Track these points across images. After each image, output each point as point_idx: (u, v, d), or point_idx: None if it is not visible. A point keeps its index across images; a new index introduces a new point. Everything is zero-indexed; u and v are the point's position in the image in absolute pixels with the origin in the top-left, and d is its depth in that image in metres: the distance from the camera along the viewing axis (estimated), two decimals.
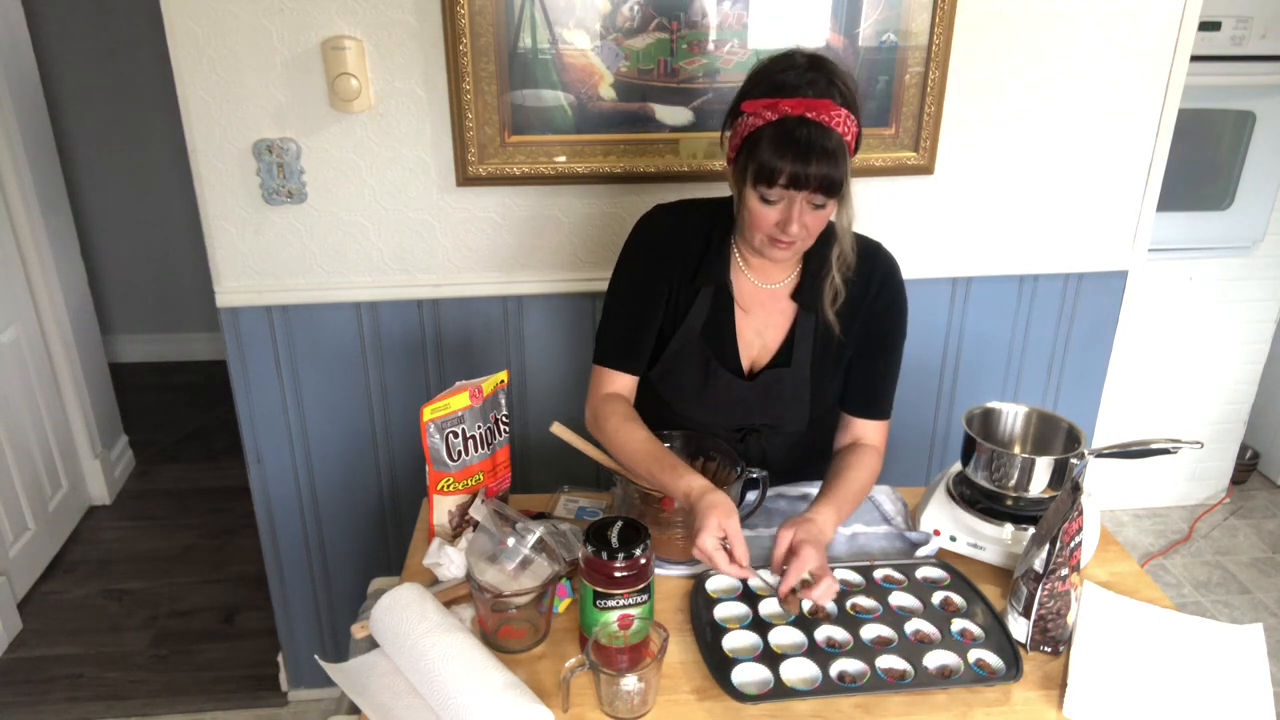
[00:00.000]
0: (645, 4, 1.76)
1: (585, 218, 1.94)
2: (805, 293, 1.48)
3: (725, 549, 1.25)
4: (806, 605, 1.29)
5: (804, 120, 1.26)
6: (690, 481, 1.31)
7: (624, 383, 1.52)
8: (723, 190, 1.51)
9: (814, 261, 1.47)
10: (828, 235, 1.43)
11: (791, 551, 1.28)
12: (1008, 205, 2.04)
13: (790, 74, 1.30)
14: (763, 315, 1.51)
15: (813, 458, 1.62)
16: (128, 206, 3.91)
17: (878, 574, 1.38)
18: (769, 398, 1.52)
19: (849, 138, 1.30)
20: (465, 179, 1.85)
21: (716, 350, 1.50)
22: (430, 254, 1.93)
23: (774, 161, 1.27)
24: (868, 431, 1.55)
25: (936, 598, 1.33)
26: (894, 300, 1.51)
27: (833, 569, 1.34)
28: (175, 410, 3.81)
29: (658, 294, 1.49)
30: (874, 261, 1.50)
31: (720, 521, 1.24)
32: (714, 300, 1.49)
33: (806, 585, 1.26)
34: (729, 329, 1.50)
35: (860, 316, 1.50)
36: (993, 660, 1.22)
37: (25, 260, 2.79)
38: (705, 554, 1.24)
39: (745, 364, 1.52)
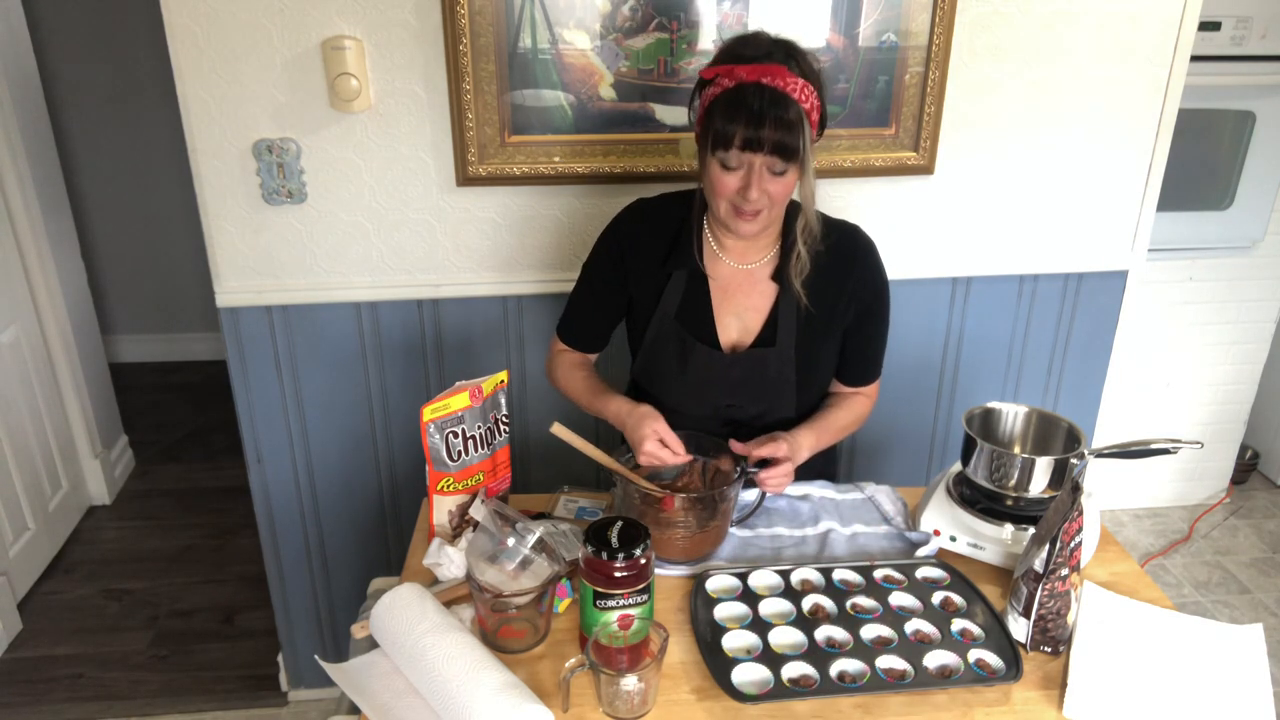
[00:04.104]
0: (645, 4, 1.76)
1: (585, 218, 1.94)
2: (786, 273, 1.50)
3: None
4: (806, 605, 1.30)
5: (759, 85, 1.31)
6: (618, 404, 1.50)
7: (576, 354, 1.66)
8: None
9: (790, 236, 1.49)
10: (797, 213, 1.46)
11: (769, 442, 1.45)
12: (1008, 205, 2.04)
13: (754, 49, 1.34)
14: (741, 298, 1.53)
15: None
16: (128, 206, 3.91)
17: (878, 574, 1.37)
18: (752, 378, 1.53)
19: (807, 106, 1.33)
20: (465, 179, 1.85)
21: (692, 330, 1.53)
22: (430, 254, 1.93)
23: (729, 125, 1.32)
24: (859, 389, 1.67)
25: (936, 598, 1.33)
26: (875, 278, 1.55)
27: (832, 569, 1.36)
28: (175, 410, 3.81)
29: (615, 284, 1.58)
30: (853, 244, 1.54)
31: (653, 427, 1.41)
32: (688, 285, 1.52)
33: (766, 467, 1.45)
34: (705, 312, 1.53)
35: (847, 295, 1.53)
36: (993, 660, 1.22)
37: (25, 260, 2.79)
38: (653, 456, 1.41)
39: (724, 345, 1.55)
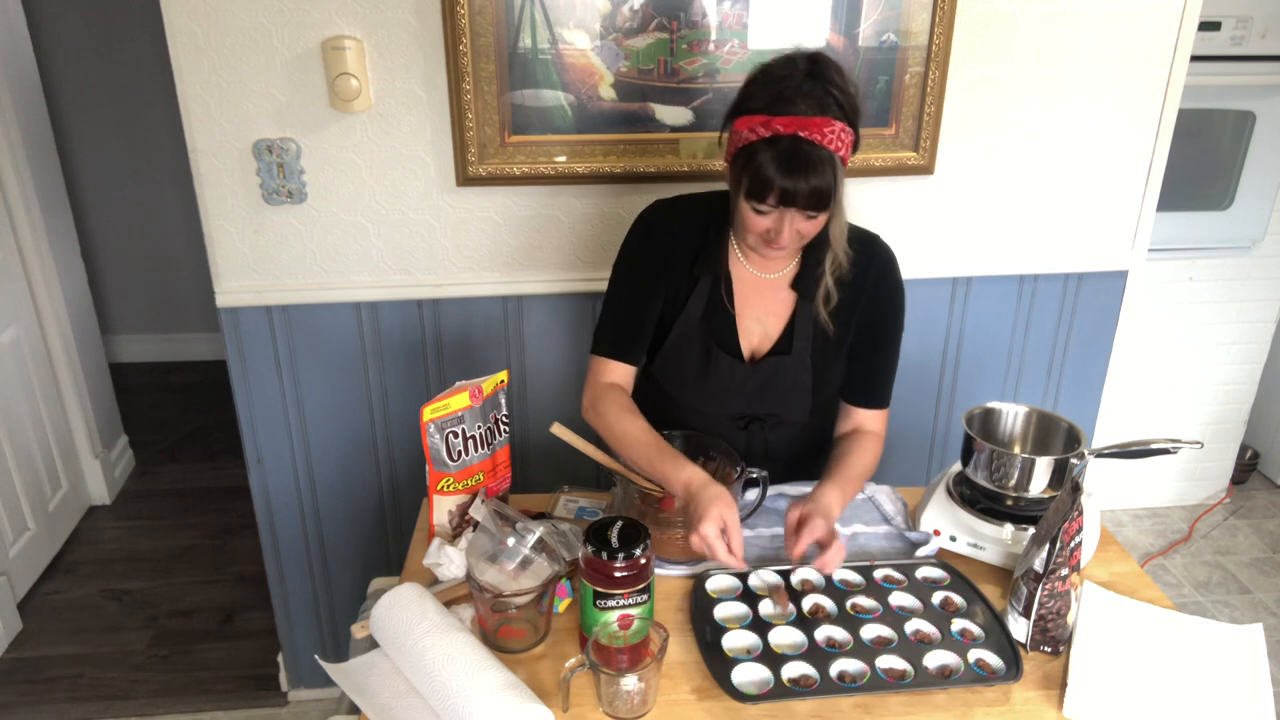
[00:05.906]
0: (645, 4, 1.76)
1: (585, 218, 1.94)
2: (805, 282, 1.49)
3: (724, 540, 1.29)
4: (806, 605, 1.31)
5: (796, 139, 1.27)
6: (690, 473, 1.34)
7: (621, 373, 1.53)
8: (722, 185, 1.51)
9: (813, 253, 1.48)
10: (825, 230, 1.43)
11: (801, 523, 1.33)
12: (1008, 205, 2.04)
13: (788, 83, 1.29)
14: (762, 304, 1.52)
15: (816, 450, 1.63)
16: (128, 207, 3.91)
17: (878, 574, 1.38)
18: (770, 385, 1.53)
19: (843, 150, 1.30)
20: (465, 179, 1.85)
21: (716, 337, 1.52)
22: (430, 254, 1.93)
23: (765, 180, 1.29)
24: (867, 420, 1.58)
25: (936, 598, 1.33)
26: (892, 293, 1.53)
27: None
28: (175, 410, 3.81)
29: (655, 286, 1.51)
30: (871, 253, 1.52)
31: (722, 513, 1.28)
32: (712, 289, 1.51)
33: (817, 553, 1.32)
34: (728, 317, 1.52)
35: (860, 307, 1.51)
36: (993, 660, 1.22)
37: (25, 260, 2.79)
38: (707, 542, 1.27)
39: (746, 351, 1.54)
